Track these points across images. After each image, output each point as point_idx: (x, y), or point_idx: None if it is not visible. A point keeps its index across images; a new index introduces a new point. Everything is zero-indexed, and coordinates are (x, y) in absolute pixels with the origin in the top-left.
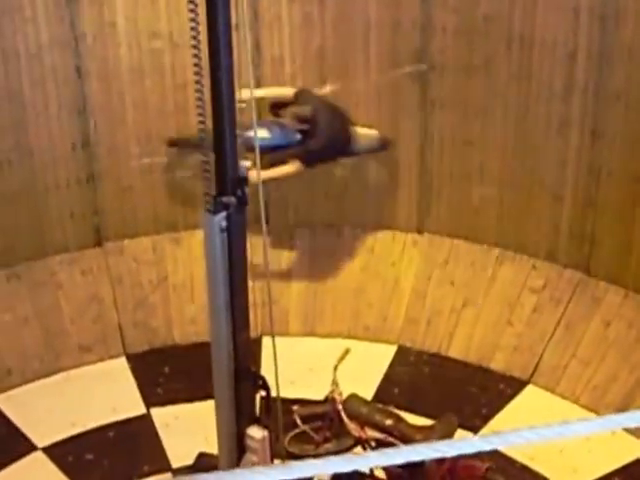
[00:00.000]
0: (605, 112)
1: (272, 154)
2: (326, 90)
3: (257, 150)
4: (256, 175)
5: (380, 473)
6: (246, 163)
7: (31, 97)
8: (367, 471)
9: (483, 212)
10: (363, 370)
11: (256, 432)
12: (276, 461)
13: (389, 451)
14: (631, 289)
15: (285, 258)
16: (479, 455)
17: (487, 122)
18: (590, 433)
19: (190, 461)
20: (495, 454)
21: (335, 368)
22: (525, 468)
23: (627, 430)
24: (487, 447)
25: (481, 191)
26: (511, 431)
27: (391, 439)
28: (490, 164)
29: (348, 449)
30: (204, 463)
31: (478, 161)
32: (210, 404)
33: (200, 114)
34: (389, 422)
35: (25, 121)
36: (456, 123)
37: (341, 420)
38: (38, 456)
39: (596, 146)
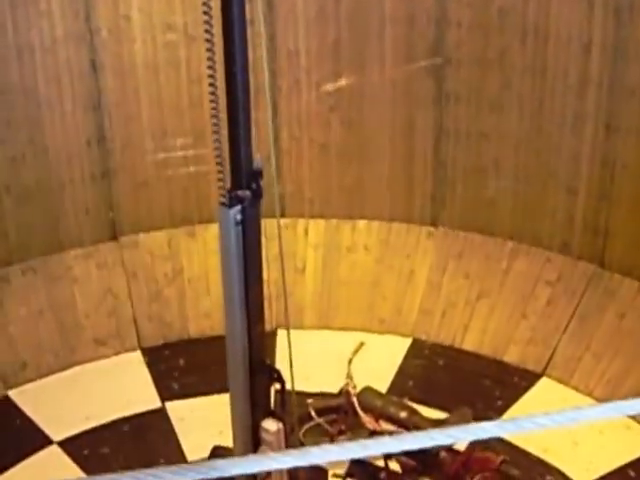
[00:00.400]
0: (620, 105)
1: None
2: (341, 84)
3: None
4: None
5: (394, 466)
6: None
7: (46, 92)
8: (382, 464)
9: (498, 205)
10: (377, 363)
11: (271, 425)
12: None
13: (404, 436)
14: None
15: (300, 251)
16: (493, 448)
17: (502, 116)
18: (603, 418)
19: (205, 454)
20: (509, 447)
21: (350, 361)
22: (539, 461)
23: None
24: (500, 433)
25: (496, 184)
26: (524, 417)
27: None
28: (505, 157)
29: None
30: (219, 456)
31: (493, 154)
32: (225, 397)
33: (214, 108)
34: (403, 415)
35: (40, 116)
36: (471, 116)
37: (355, 413)
38: (53, 450)
39: (610, 139)
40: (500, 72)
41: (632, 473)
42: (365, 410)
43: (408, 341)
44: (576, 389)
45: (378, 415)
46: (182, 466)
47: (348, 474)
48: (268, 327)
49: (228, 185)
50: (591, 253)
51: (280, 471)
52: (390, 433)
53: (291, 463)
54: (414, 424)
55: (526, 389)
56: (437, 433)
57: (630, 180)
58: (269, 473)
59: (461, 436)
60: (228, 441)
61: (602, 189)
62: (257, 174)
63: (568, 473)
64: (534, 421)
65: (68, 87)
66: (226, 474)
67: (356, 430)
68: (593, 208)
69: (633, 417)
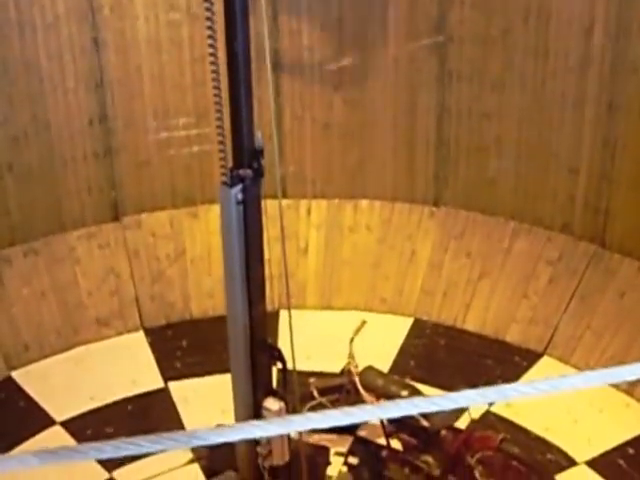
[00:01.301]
0: (621, 85)
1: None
2: (343, 63)
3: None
4: None
5: (396, 444)
6: None
7: (48, 70)
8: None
9: (499, 185)
10: (379, 342)
11: (273, 404)
12: (292, 433)
13: (387, 404)
14: None
15: (302, 231)
16: (494, 427)
17: (504, 95)
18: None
19: None
20: (510, 425)
21: (351, 341)
22: (540, 439)
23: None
24: (483, 400)
25: (497, 164)
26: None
27: None
28: (506, 137)
29: (364, 422)
30: None
31: (495, 134)
32: (227, 377)
33: (216, 87)
34: (405, 394)
35: (42, 94)
36: (473, 96)
37: (357, 392)
38: (57, 430)
39: (612, 119)
40: (502, 51)
41: (631, 451)
42: (367, 389)
43: (410, 321)
44: (577, 367)
45: (380, 394)
46: (161, 435)
47: (350, 452)
48: (270, 307)
49: (230, 164)
50: (592, 233)
51: (282, 447)
52: None
53: (273, 431)
54: None
55: (527, 368)
56: (421, 401)
57: (631, 160)
58: (271, 450)
59: (445, 404)
60: (230, 420)
61: (603, 169)
62: (259, 153)
63: (568, 451)
64: (517, 389)
65: (70, 65)
66: (206, 442)
67: None
68: (594, 188)
69: (628, 392)
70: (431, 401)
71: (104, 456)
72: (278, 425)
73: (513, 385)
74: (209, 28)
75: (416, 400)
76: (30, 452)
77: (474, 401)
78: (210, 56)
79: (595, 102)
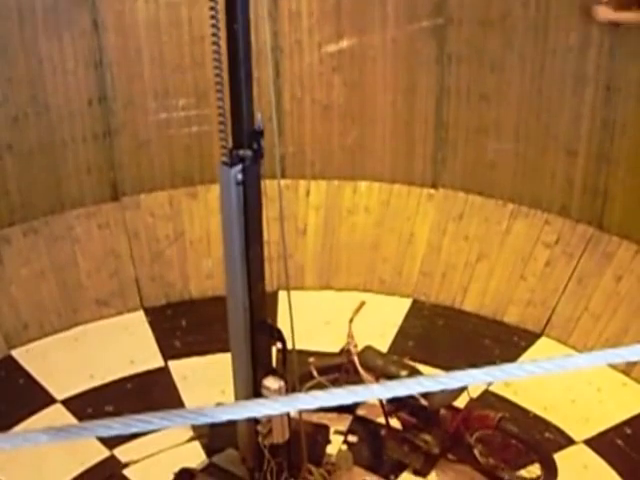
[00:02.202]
0: (620, 67)
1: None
2: (343, 44)
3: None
4: None
5: (395, 423)
6: None
7: (47, 51)
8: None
9: (498, 167)
10: (378, 323)
11: (272, 383)
12: (292, 411)
13: (391, 383)
14: None
15: (301, 212)
16: (493, 406)
17: (503, 77)
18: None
19: None
20: (509, 405)
21: (350, 321)
22: (538, 418)
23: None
24: (488, 379)
25: (496, 146)
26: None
27: None
28: (505, 119)
29: (363, 401)
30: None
31: (493, 116)
32: (227, 356)
33: (217, 67)
34: (404, 374)
35: (41, 75)
36: (472, 77)
37: (357, 372)
38: (57, 408)
39: (611, 101)
40: (501, 33)
41: (629, 430)
42: (366, 369)
43: (408, 302)
44: (575, 348)
45: (379, 374)
46: (170, 411)
47: (350, 431)
48: (269, 288)
49: (230, 144)
50: (590, 215)
51: (282, 425)
52: None
53: (280, 409)
54: None
55: (525, 348)
56: (426, 379)
57: (629, 142)
58: (271, 428)
59: (450, 383)
60: (230, 399)
61: (602, 151)
62: (258, 134)
63: (566, 430)
64: (521, 368)
65: (69, 46)
66: (215, 420)
67: None
68: (592, 170)
69: (626, 372)
70: (436, 380)
71: (112, 433)
72: (284, 403)
73: (517, 364)
74: (212, 9)
75: (421, 379)
76: (38, 429)
77: (479, 380)
78: (212, 36)
79: (594, 83)
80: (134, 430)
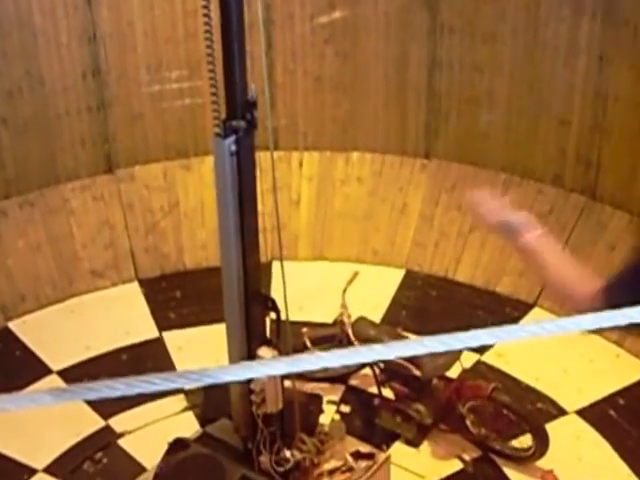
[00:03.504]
0: (613, 37)
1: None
2: (335, 16)
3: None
4: None
5: (388, 393)
6: None
7: (41, 25)
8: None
9: (490, 137)
10: (371, 293)
11: (266, 353)
12: (286, 381)
13: (395, 343)
14: (636, 214)
15: (294, 183)
16: (485, 376)
17: (495, 47)
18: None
19: None
20: (501, 375)
21: (344, 291)
22: (530, 388)
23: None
24: (492, 340)
25: (489, 116)
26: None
27: (400, 361)
28: (498, 89)
29: (356, 370)
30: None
31: (486, 86)
32: (221, 327)
33: (208, 39)
34: None
35: (35, 49)
36: (465, 48)
37: (350, 342)
38: (53, 379)
39: (603, 72)
40: (494, 3)
41: (621, 401)
42: (359, 339)
43: (401, 272)
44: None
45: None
46: (174, 373)
47: (342, 400)
48: (263, 259)
49: (223, 116)
50: (583, 185)
51: (275, 395)
52: (383, 362)
53: (283, 369)
54: None
55: (518, 319)
56: (414, 343)
57: (622, 112)
58: (264, 397)
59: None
60: None
61: (594, 121)
62: (251, 105)
63: (558, 401)
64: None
65: (63, 19)
66: (218, 381)
67: None
68: (585, 140)
69: (618, 342)
70: (424, 344)
71: (117, 394)
72: (287, 364)
73: (520, 325)
74: None
75: (425, 340)
76: (44, 390)
77: (483, 341)
78: (203, 9)
79: (586, 54)
80: (138, 391)
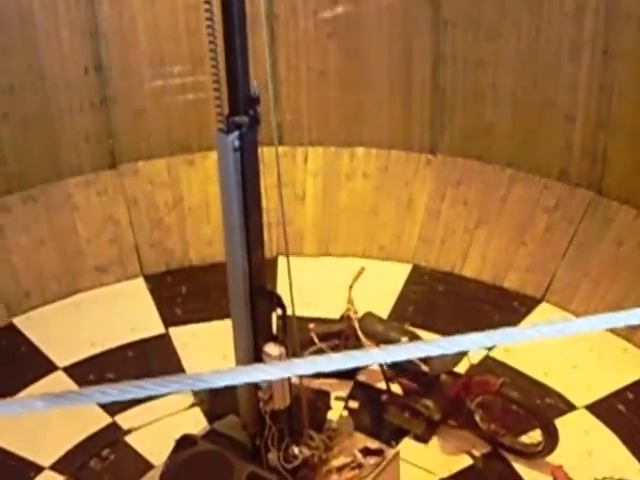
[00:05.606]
0: (616, 32)
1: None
2: (338, 10)
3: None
4: None
5: (397, 389)
6: None
7: (42, 20)
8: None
9: (496, 132)
10: (378, 289)
11: (273, 349)
12: (293, 378)
13: (391, 348)
14: None
15: (299, 179)
16: (494, 371)
17: (499, 42)
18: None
19: None
20: (510, 370)
21: (350, 287)
22: (539, 383)
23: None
24: (489, 343)
25: (494, 111)
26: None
27: None
28: (502, 84)
29: (364, 366)
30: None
31: (490, 81)
32: (227, 323)
33: (211, 34)
34: (404, 340)
35: (37, 44)
36: (468, 43)
37: (357, 338)
38: (59, 375)
39: (608, 66)
40: None
41: (630, 395)
42: (366, 335)
43: (408, 267)
44: (575, 314)
45: (379, 340)
46: (166, 377)
47: (350, 396)
48: (268, 255)
49: (226, 111)
50: (589, 180)
51: (283, 391)
52: None
53: (277, 374)
54: None
55: (526, 314)
56: (425, 344)
57: (627, 106)
58: (272, 394)
59: (449, 347)
60: (231, 365)
61: (600, 116)
62: (254, 100)
63: (567, 396)
64: (522, 332)
65: (65, 15)
66: (211, 386)
67: None
68: (591, 135)
69: (627, 337)
70: (436, 345)
71: (109, 399)
72: (282, 369)
73: (518, 328)
74: None
75: (421, 343)
76: (35, 396)
77: (480, 344)
78: (205, 4)
79: (590, 48)
80: (130, 396)
